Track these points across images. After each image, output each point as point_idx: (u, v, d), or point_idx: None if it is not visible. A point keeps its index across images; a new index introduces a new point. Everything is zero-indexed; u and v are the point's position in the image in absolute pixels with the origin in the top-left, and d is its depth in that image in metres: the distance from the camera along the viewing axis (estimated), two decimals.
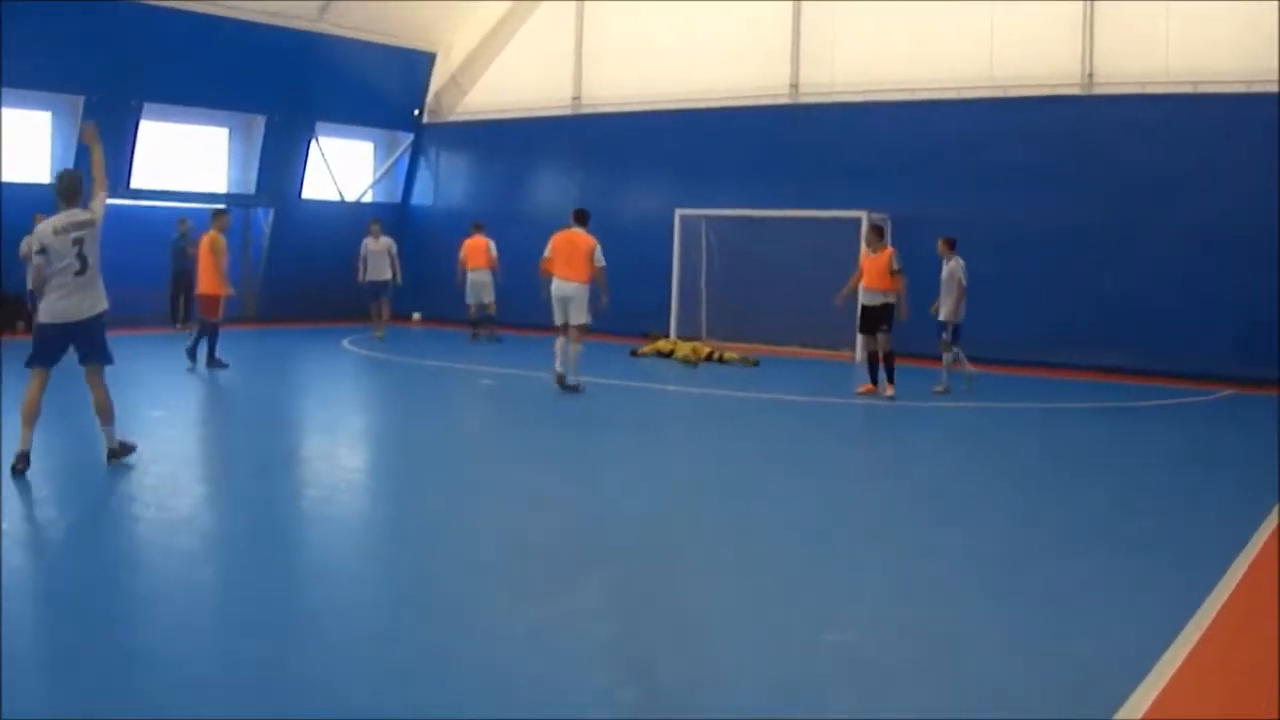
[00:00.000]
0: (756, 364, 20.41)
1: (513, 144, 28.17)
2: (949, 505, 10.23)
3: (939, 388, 17.25)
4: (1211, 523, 9.54)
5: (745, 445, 13.51)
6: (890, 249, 17.23)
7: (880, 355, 16.74)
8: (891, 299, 16.67)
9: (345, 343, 22.63)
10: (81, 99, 23.15)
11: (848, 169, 22.71)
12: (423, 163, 30.07)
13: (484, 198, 28.33)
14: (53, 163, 23.38)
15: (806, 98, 24.00)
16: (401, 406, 16.56)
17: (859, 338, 18.39)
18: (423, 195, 30.01)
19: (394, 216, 29.17)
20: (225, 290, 18.03)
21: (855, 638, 6.54)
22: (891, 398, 16.31)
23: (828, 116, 23.45)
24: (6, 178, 22.20)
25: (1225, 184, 19.39)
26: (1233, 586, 7.51)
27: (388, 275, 23.53)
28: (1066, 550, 8.64)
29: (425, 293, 27.58)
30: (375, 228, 23.97)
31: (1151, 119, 20.08)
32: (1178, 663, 6.09)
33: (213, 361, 17.77)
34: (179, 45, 23.83)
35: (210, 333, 17.81)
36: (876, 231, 17.59)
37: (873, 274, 16.80)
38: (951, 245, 17.29)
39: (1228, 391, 18.11)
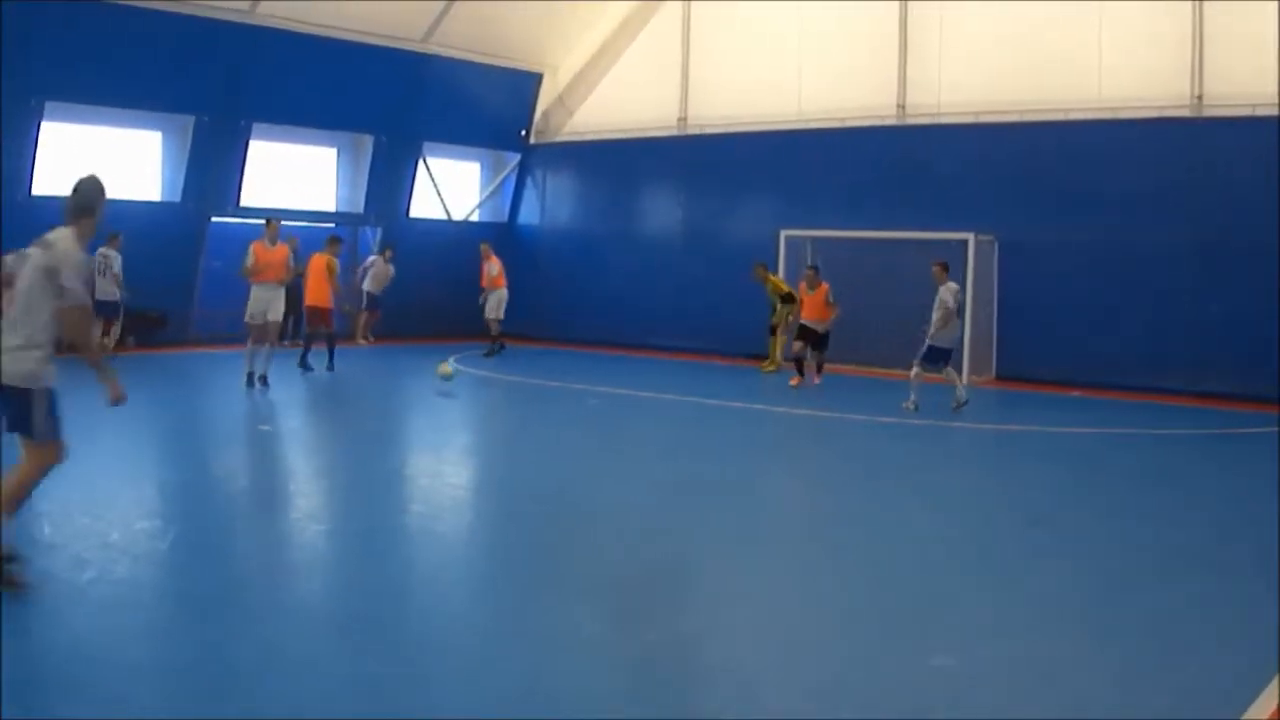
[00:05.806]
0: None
1: (618, 164, 28.28)
2: (1051, 530, 10.12)
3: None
4: None
5: (846, 467, 13.54)
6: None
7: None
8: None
9: (450, 360, 22.58)
10: (192, 119, 23.72)
11: (954, 190, 22.47)
12: (529, 182, 30.26)
13: (589, 218, 28.53)
14: (163, 182, 24.04)
15: (913, 119, 23.79)
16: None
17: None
18: (529, 215, 30.20)
19: (501, 235, 29.32)
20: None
21: (960, 664, 6.49)
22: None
23: (934, 138, 23.22)
24: (123, 195, 22.83)
25: None
26: None
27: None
28: (1167, 577, 8.54)
29: (535, 312, 27.53)
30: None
31: (1261, 140, 19.58)
32: None
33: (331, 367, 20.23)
34: (288, 66, 24.26)
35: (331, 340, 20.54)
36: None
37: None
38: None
39: None
